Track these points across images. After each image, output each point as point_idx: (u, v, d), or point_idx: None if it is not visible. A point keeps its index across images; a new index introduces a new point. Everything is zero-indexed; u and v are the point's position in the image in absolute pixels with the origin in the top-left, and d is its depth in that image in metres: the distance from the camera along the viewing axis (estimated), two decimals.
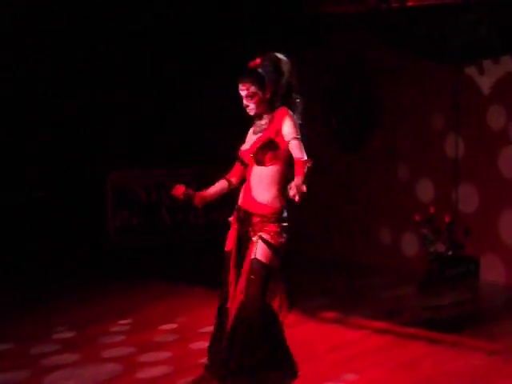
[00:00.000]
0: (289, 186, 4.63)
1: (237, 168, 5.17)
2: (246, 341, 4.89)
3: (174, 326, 6.99)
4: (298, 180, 4.57)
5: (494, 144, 8.49)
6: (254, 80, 4.89)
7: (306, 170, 4.66)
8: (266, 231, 4.92)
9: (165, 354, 6.19)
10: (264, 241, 4.91)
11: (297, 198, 4.50)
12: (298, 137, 4.84)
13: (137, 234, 10.39)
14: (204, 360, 5.87)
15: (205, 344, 6.28)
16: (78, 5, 9.79)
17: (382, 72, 9.34)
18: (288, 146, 4.84)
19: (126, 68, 10.43)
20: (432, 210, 8.69)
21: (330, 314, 7.33)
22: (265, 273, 4.92)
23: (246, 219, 5.01)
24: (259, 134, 4.99)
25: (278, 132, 4.89)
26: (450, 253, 8.60)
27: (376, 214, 9.42)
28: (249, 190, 5.01)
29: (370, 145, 9.51)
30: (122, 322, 7.11)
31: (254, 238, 4.94)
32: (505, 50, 8.18)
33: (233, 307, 4.99)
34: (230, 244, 5.11)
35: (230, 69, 9.75)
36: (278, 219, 4.95)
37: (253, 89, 4.89)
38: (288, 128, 4.86)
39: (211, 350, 5.26)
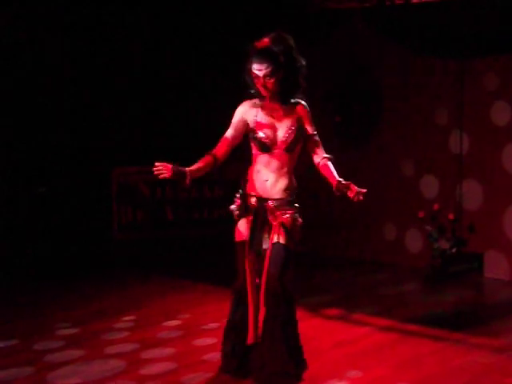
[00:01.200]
0: (339, 189, 4.78)
1: (223, 144, 5.05)
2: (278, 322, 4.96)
3: (178, 322, 6.98)
4: (344, 182, 4.79)
5: (499, 140, 8.47)
6: (272, 59, 4.86)
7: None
8: (286, 215, 4.99)
9: (168, 351, 6.18)
10: (284, 225, 4.98)
11: (361, 198, 4.69)
12: (315, 132, 5.09)
13: (141, 229, 10.41)
14: (208, 356, 5.91)
15: (208, 340, 6.32)
16: (78, 3, 9.78)
17: (386, 68, 9.32)
18: (308, 139, 5.03)
19: (130, 64, 10.43)
20: (436, 206, 8.70)
21: (334, 311, 7.32)
22: (288, 256, 4.98)
23: (260, 206, 5.02)
24: (284, 122, 5.01)
25: (301, 124, 5.01)
26: (453, 249, 8.61)
27: (380, 210, 9.40)
28: (262, 175, 5.03)
29: (374, 141, 9.50)
30: (125, 318, 7.10)
31: (275, 223, 4.99)
32: (510, 46, 8.16)
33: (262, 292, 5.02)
34: (242, 234, 5.09)
35: (231, 65, 9.85)
36: (294, 202, 5.06)
37: (271, 68, 4.86)
38: (311, 122, 5.06)
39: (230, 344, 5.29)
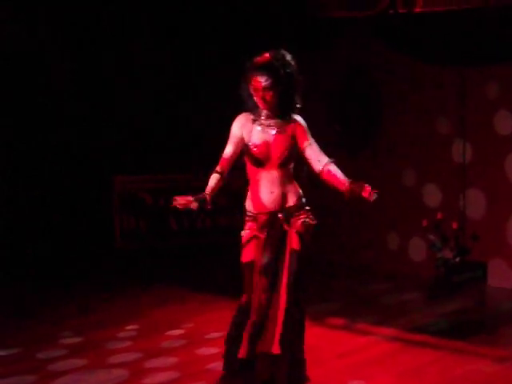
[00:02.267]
0: (352, 190, 4.90)
1: (225, 161, 5.07)
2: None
3: (181, 331, 6.99)
4: (355, 183, 4.93)
5: (502, 149, 8.47)
6: (271, 72, 4.90)
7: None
8: (298, 221, 5.04)
9: (171, 360, 6.19)
10: (299, 231, 5.03)
11: (374, 196, 4.89)
12: (313, 141, 5.07)
13: (143, 238, 10.40)
14: (211, 365, 5.92)
15: (211, 350, 6.32)
16: (79, 5, 9.80)
17: (388, 76, 9.32)
18: (304, 151, 5.02)
19: (133, 72, 10.44)
20: (439, 215, 8.69)
21: (337, 320, 7.32)
22: (301, 263, 5.02)
23: (274, 220, 5.03)
24: (278, 137, 5.00)
25: (294, 137, 5.01)
26: (457, 258, 8.60)
27: (383, 219, 9.40)
28: (267, 189, 5.02)
29: (376, 150, 9.50)
30: (128, 327, 7.11)
31: (290, 231, 5.03)
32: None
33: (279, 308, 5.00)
34: (251, 254, 5.06)
35: (233, 73, 9.87)
36: (304, 206, 5.11)
37: (271, 81, 4.89)
38: (306, 136, 5.03)
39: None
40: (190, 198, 4.91)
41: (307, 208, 5.12)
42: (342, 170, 5.11)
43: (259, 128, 5.04)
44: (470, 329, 7.02)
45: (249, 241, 5.07)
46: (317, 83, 9.35)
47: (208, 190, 4.99)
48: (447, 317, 7.46)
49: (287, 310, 4.97)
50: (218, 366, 5.68)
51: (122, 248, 10.27)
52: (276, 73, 4.90)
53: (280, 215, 5.02)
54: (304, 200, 5.12)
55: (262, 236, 5.04)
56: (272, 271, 5.02)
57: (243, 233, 5.11)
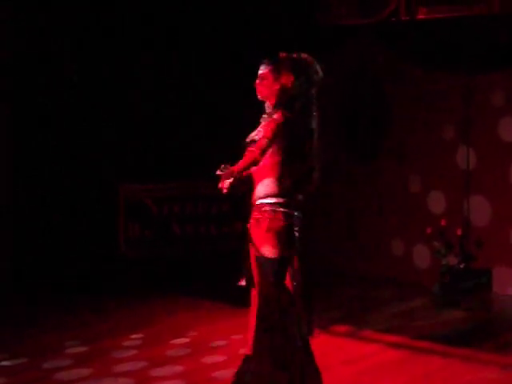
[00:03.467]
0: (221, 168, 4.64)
1: None
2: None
3: (186, 340, 6.98)
4: (233, 166, 4.64)
5: (506, 156, 8.47)
6: (271, 63, 4.91)
7: (248, 159, 4.72)
8: (260, 221, 4.82)
9: (177, 368, 6.18)
10: (250, 232, 4.87)
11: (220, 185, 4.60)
12: (267, 136, 4.75)
13: (148, 246, 10.40)
14: (216, 374, 5.91)
15: (217, 358, 6.32)
16: (85, 10, 9.81)
17: (393, 84, 9.33)
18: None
19: (141, 82, 10.44)
20: (444, 222, 8.68)
21: (343, 328, 7.31)
22: (267, 265, 4.80)
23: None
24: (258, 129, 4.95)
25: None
26: (462, 265, 8.59)
27: (388, 226, 9.39)
28: (254, 185, 4.97)
29: (381, 157, 9.50)
30: (133, 336, 7.10)
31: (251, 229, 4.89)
32: None
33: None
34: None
35: (241, 82, 9.87)
36: (273, 204, 4.83)
37: (266, 71, 4.90)
38: (260, 128, 4.86)
39: None
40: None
41: (277, 209, 4.81)
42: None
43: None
44: (475, 336, 7.01)
45: None
46: (324, 91, 9.37)
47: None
48: (453, 324, 7.45)
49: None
50: (224, 374, 5.69)
51: (127, 256, 10.27)
52: (275, 67, 4.89)
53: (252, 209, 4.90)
54: (267, 201, 4.83)
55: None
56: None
57: None
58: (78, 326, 7.49)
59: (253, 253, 4.92)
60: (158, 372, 6.11)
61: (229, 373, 5.44)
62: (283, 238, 4.81)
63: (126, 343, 6.89)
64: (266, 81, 4.93)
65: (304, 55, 5.00)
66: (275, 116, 4.83)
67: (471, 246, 8.67)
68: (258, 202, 4.86)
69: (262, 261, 4.83)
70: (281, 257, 4.81)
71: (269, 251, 4.80)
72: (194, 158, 10.31)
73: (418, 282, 9.01)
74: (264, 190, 4.86)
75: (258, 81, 4.97)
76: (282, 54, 4.96)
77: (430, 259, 8.98)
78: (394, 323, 7.42)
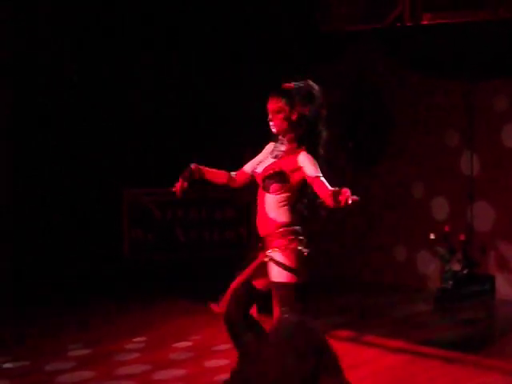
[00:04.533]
0: (332, 194, 4.53)
1: (242, 173, 5.16)
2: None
3: (189, 343, 6.98)
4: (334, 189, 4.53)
5: (509, 162, 8.47)
6: (283, 96, 4.87)
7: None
8: (275, 248, 4.84)
9: (179, 372, 6.18)
10: (274, 260, 4.83)
11: (349, 202, 4.42)
12: (321, 175, 4.73)
13: (151, 251, 10.40)
14: (219, 377, 5.90)
15: (220, 362, 6.31)
16: (85, 10, 9.82)
17: (396, 90, 9.34)
18: (308, 181, 4.77)
19: (139, 81, 10.46)
20: (447, 228, 8.68)
21: (345, 333, 7.30)
22: (285, 292, 4.80)
23: (263, 245, 4.95)
24: (273, 160, 4.93)
25: (295, 169, 4.81)
26: (465, 271, 8.59)
27: (391, 232, 9.39)
28: (259, 214, 4.96)
29: (385, 163, 9.50)
30: (136, 339, 7.10)
31: (266, 259, 4.88)
32: None
33: None
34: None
35: (244, 88, 9.90)
36: (287, 232, 4.86)
37: (280, 104, 4.85)
38: (309, 166, 4.76)
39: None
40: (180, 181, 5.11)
41: (293, 238, 4.86)
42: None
43: (271, 152, 5.01)
44: (479, 341, 7.00)
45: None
46: (326, 97, 9.37)
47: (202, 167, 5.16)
48: (455, 329, 7.44)
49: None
50: (226, 377, 5.68)
51: (131, 260, 10.28)
52: (290, 98, 4.85)
53: (264, 241, 4.92)
54: (289, 228, 4.86)
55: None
56: (237, 293, 5.19)
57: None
58: (81, 328, 7.50)
59: (261, 283, 4.94)
60: (160, 375, 6.10)
61: None
62: (307, 264, 4.88)
63: (129, 346, 6.89)
64: (282, 114, 4.86)
65: (309, 82, 4.96)
66: (306, 154, 4.80)
67: (474, 252, 8.67)
68: (281, 229, 4.85)
69: (288, 287, 4.82)
70: (305, 282, 4.86)
71: (296, 277, 4.81)
72: (197, 162, 10.31)
73: (421, 288, 9.01)
74: (284, 218, 4.87)
75: (271, 115, 4.89)
76: (289, 85, 4.93)
77: (434, 265, 8.98)
78: (397, 328, 7.41)
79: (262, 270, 4.94)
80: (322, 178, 4.72)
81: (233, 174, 5.21)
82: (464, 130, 8.83)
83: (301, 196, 4.89)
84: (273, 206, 4.87)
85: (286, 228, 4.87)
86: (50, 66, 9.76)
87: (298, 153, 4.83)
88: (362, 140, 9.69)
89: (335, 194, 4.47)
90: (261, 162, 5.04)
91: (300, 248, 4.86)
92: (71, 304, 8.52)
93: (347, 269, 9.76)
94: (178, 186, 5.13)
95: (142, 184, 10.35)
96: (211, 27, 10.12)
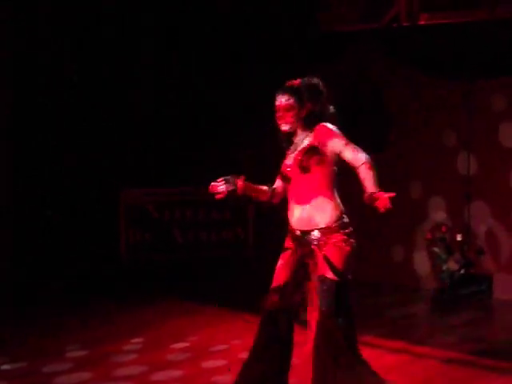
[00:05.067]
0: (367, 198, 4.66)
1: (278, 187, 5.06)
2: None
3: (186, 344, 6.97)
4: (372, 188, 4.70)
5: (507, 161, 8.48)
6: (293, 93, 4.85)
7: (372, 172, 4.86)
8: (331, 244, 4.78)
9: (177, 373, 6.17)
10: (327, 257, 4.76)
11: (382, 210, 4.58)
12: (348, 141, 4.83)
13: (149, 251, 10.40)
14: (216, 378, 5.90)
15: (217, 362, 6.31)
16: (85, 10, 9.82)
17: (394, 89, 9.34)
18: (339, 154, 4.82)
19: (142, 86, 10.46)
20: (444, 228, 8.69)
21: None
22: (335, 289, 4.76)
23: (303, 239, 4.85)
24: (298, 146, 4.89)
25: (322, 143, 4.81)
26: (462, 271, 8.59)
27: (388, 231, 9.39)
28: (293, 210, 4.87)
29: (382, 162, 9.47)
30: (133, 340, 7.09)
31: (319, 255, 4.78)
32: None
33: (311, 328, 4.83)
34: (279, 262, 4.94)
35: (244, 88, 9.91)
36: (340, 226, 4.84)
37: (291, 101, 4.83)
38: (337, 137, 4.83)
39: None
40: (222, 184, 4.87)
41: (345, 230, 4.86)
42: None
43: (290, 148, 4.96)
44: (476, 342, 7.00)
45: (284, 250, 4.96)
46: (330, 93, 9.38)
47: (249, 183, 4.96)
48: (453, 329, 7.44)
49: (320, 346, 4.73)
50: (224, 378, 5.69)
51: (128, 261, 10.27)
52: (299, 94, 4.84)
53: (311, 235, 4.81)
54: (342, 220, 4.86)
55: (295, 251, 4.90)
56: (284, 291, 4.88)
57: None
58: (78, 329, 7.49)
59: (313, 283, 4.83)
60: (158, 376, 6.10)
61: (228, 377, 5.44)
62: (352, 260, 4.93)
63: (127, 347, 6.89)
64: (292, 111, 4.84)
65: (315, 78, 4.98)
66: (327, 126, 4.83)
67: (472, 252, 8.68)
68: (331, 224, 4.81)
69: (342, 285, 4.82)
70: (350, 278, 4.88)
71: (348, 274, 4.86)
72: (196, 163, 10.32)
73: (419, 288, 9.02)
74: (330, 211, 4.84)
75: (281, 113, 4.86)
76: (296, 82, 4.92)
77: (431, 265, 8.98)
78: (394, 328, 7.41)
79: (307, 265, 4.87)
80: (351, 146, 4.86)
81: (272, 187, 5.08)
82: (462, 130, 8.83)
83: (335, 181, 4.88)
84: (316, 186, 4.79)
85: (342, 220, 4.85)
86: (50, 66, 9.76)
87: (315, 129, 4.85)
88: (360, 139, 9.67)
89: (372, 199, 4.65)
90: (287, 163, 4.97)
91: (354, 243, 4.90)
92: (68, 305, 8.51)
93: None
94: (219, 190, 4.89)
95: (140, 184, 10.34)
96: (211, 27, 10.12)
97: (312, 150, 4.81)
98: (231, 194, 4.89)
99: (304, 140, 4.89)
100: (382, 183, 9.45)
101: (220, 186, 4.90)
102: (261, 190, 5.06)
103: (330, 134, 4.83)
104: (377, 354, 6.57)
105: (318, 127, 4.87)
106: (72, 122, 10.00)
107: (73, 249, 9.81)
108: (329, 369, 4.69)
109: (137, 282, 9.66)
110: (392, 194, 4.53)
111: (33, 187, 9.73)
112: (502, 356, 6.52)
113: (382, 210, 4.60)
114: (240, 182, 4.89)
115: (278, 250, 5.04)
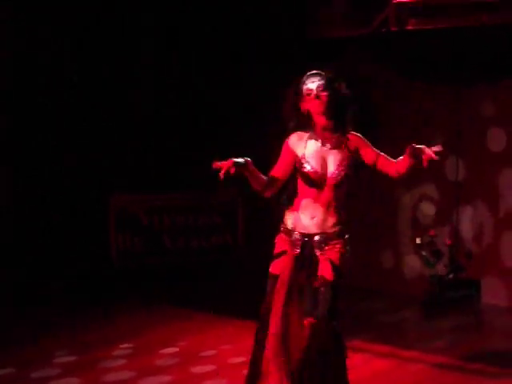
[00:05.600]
0: (410, 149, 4.78)
1: (273, 179, 4.89)
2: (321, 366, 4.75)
3: (176, 349, 6.97)
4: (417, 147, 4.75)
5: (495, 166, 8.51)
6: (322, 77, 4.85)
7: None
8: (333, 249, 4.78)
9: (166, 378, 6.17)
10: (332, 261, 4.77)
11: (426, 163, 4.71)
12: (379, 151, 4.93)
13: (138, 257, 10.38)
14: (205, 383, 5.90)
15: (206, 368, 6.31)
16: (85, 10, 9.82)
17: (383, 95, 9.36)
18: (377, 160, 5.00)
19: (142, 86, 10.46)
20: (432, 232, 8.71)
21: None
22: (334, 293, 4.78)
23: (306, 242, 4.82)
24: (336, 155, 4.83)
25: (356, 155, 4.88)
26: (451, 276, 8.61)
27: (377, 236, 9.40)
28: (309, 212, 4.81)
29: (370, 169, 9.49)
30: (123, 345, 7.08)
31: (322, 258, 4.77)
32: (505, 74, 8.22)
33: (299, 333, 4.80)
34: (280, 268, 4.84)
35: (244, 88, 9.90)
36: (345, 232, 4.86)
37: (324, 81, 4.83)
38: (369, 145, 4.98)
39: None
40: (230, 163, 4.61)
41: (346, 236, 4.87)
42: None
43: (314, 144, 4.82)
44: (465, 346, 7.02)
45: (280, 254, 4.87)
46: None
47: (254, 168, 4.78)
48: (442, 334, 7.46)
49: (314, 346, 4.74)
50: (213, 383, 5.68)
51: (118, 266, 10.25)
52: (327, 78, 4.83)
53: (315, 239, 4.79)
54: (347, 226, 4.87)
55: (292, 253, 4.82)
56: (292, 290, 4.84)
57: (276, 240, 4.92)
58: (67, 335, 7.46)
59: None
60: (147, 382, 6.11)
61: (218, 382, 5.45)
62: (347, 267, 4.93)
63: (116, 353, 6.88)
64: (327, 91, 4.80)
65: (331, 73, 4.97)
66: (358, 134, 4.92)
67: (460, 257, 8.70)
68: (339, 227, 4.83)
69: (337, 288, 4.83)
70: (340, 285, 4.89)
71: (346, 278, 4.89)
72: (189, 168, 10.32)
73: (407, 293, 9.02)
74: (344, 215, 4.87)
75: (317, 92, 4.77)
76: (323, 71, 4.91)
77: (419, 269, 8.99)
78: (383, 333, 7.43)
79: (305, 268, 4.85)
80: (382, 153, 4.96)
81: (270, 179, 4.89)
82: (450, 135, 8.86)
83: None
84: (338, 202, 4.81)
85: (344, 226, 4.86)
86: (50, 66, 9.76)
87: (350, 135, 4.88)
88: None
89: (416, 153, 4.73)
90: (297, 157, 4.82)
91: (347, 249, 4.89)
92: (57, 311, 8.47)
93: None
94: (225, 166, 4.59)
95: (128, 190, 10.32)
96: (211, 27, 10.12)
97: (351, 168, 4.87)
98: (239, 168, 4.64)
99: (339, 145, 4.85)
100: (371, 187, 9.51)
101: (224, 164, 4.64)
102: (260, 177, 4.83)
103: (367, 143, 4.97)
104: (366, 359, 6.60)
105: (353, 136, 4.90)
106: (72, 122, 9.98)
107: (62, 254, 9.79)
108: (318, 368, 4.69)
109: (126, 287, 9.63)
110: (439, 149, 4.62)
111: (33, 187, 9.72)
112: (491, 361, 6.55)
113: (426, 162, 4.71)
114: (249, 160, 4.75)
115: (269, 253, 4.99)
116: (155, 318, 8.12)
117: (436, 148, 4.58)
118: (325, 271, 4.76)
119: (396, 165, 4.83)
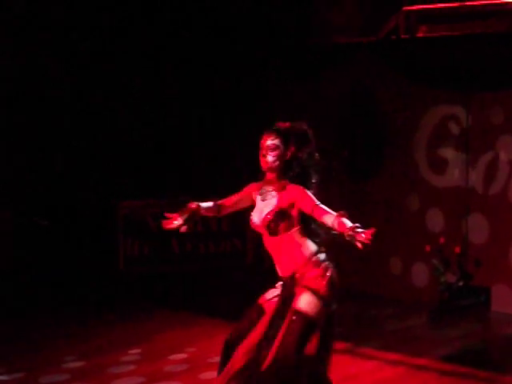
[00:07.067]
0: (348, 231, 4.62)
1: (226, 207, 5.06)
2: None
3: (184, 355, 6.97)
4: (347, 228, 4.60)
5: (505, 174, 8.48)
6: (279, 134, 4.84)
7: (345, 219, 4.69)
8: (309, 278, 4.77)
9: None
10: (308, 289, 4.75)
11: (359, 245, 4.57)
12: (318, 203, 4.75)
13: (147, 263, 10.39)
14: None
15: (215, 374, 6.28)
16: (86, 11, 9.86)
17: (391, 101, 9.35)
18: (312, 214, 4.75)
19: (137, 99, 10.48)
20: (442, 240, 8.69)
21: (341, 345, 7.25)
22: (305, 324, 4.71)
23: (289, 283, 4.85)
24: (269, 206, 4.86)
25: (293, 205, 4.81)
26: (460, 283, 8.59)
27: (386, 244, 9.37)
28: (278, 257, 4.88)
29: (379, 175, 9.49)
30: (131, 351, 7.09)
31: (297, 289, 4.77)
32: None
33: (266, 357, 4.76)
34: (265, 299, 4.93)
35: (236, 102, 9.93)
36: (315, 264, 4.83)
37: (277, 141, 4.81)
38: (308, 198, 4.76)
39: None
40: (178, 220, 4.88)
41: (322, 265, 4.84)
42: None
43: (259, 196, 4.95)
44: (474, 354, 7.00)
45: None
46: (322, 109, 9.41)
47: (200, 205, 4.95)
48: (450, 342, 7.43)
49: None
50: None
51: (126, 272, 10.26)
52: (285, 137, 4.83)
53: (293, 277, 4.81)
54: (318, 257, 4.84)
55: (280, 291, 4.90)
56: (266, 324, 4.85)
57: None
58: (76, 340, 7.47)
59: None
60: None
61: None
62: (329, 298, 4.86)
63: (124, 358, 6.88)
64: (277, 151, 4.81)
65: (304, 124, 4.94)
66: (302, 188, 4.80)
67: (470, 264, 8.67)
68: (312, 259, 4.82)
69: (312, 321, 4.75)
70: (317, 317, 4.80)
71: (326, 308, 4.80)
72: (198, 174, 10.34)
73: (417, 300, 9.00)
74: (310, 248, 4.86)
75: (265, 152, 4.82)
76: (285, 124, 4.90)
77: (429, 277, 8.97)
78: (392, 341, 7.40)
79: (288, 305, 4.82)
80: (321, 206, 4.73)
81: (218, 204, 5.06)
82: (460, 142, 8.85)
83: (308, 224, 4.87)
84: (292, 243, 4.83)
85: (316, 258, 4.84)
86: (50, 66, 9.79)
87: (289, 187, 4.83)
88: (357, 150, 9.69)
89: (352, 237, 4.59)
90: (253, 212, 4.94)
91: (333, 276, 4.86)
92: (65, 316, 8.48)
93: (342, 281, 9.72)
94: (171, 221, 4.93)
95: (137, 196, 10.34)
96: (212, 32, 10.15)
97: (279, 216, 4.82)
98: (190, 222, 4.89)
99: (272, 193, 4.89)
100: (381, 195, 9.48)
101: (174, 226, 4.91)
102: (210, 208, 5.02)
103: (307, 196, 4.79)
104: (375, 366, 6.58)
105: (294, 187, 4.83)
106: (72, 123, 10.01)
107: (71, 260, 9.81)
108: None
109: (135, 293, 9.64)
110: (373, 231, 4.49)
111: (33, 187, 9.74)
112: (500, 369, 6.52)
113: (361, 247, 4.58)
114: (193, 205, 4.93)
115: None
116: (163, 323, 8.12)
117: (370, 231, 4.51)
118: (297, 301, 4.75)
119: (333, 223, 4.69)
